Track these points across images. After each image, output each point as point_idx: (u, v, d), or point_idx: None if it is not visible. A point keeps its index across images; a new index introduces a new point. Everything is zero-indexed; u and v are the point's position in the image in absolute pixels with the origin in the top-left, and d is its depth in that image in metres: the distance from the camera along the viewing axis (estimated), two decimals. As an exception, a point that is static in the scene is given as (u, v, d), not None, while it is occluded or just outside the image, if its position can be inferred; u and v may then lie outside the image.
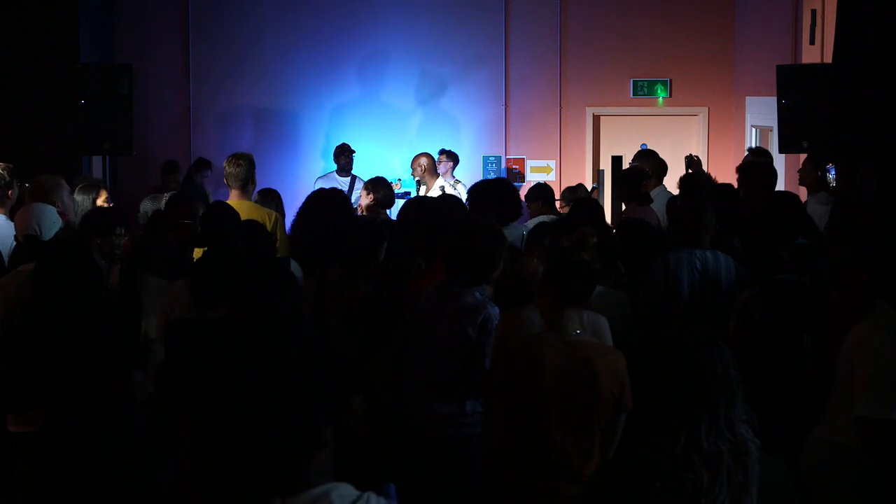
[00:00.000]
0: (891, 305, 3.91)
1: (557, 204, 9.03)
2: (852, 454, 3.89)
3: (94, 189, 6.60)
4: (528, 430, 3.61)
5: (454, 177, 10.48)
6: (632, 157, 8.79)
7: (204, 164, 10.52)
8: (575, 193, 9.48)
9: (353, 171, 10.42)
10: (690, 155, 9.08)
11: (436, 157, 10.34)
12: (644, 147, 9.38)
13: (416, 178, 10.15)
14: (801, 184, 7.91)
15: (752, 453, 2.70)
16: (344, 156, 10.45)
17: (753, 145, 11.05)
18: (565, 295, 3.71)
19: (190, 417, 3.87)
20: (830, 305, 4.47)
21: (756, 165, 7.60)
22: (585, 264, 3.74)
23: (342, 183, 10.07)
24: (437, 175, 10.14)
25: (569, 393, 3.56)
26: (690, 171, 8.65)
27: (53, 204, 5.55)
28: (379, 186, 7.09)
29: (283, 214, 6.99)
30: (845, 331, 4.01)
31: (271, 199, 7.40)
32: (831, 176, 7.98)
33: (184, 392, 3.94)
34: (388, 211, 7.27)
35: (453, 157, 10.48)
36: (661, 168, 8.17)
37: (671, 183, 8.20)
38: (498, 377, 3.71)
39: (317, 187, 9.40)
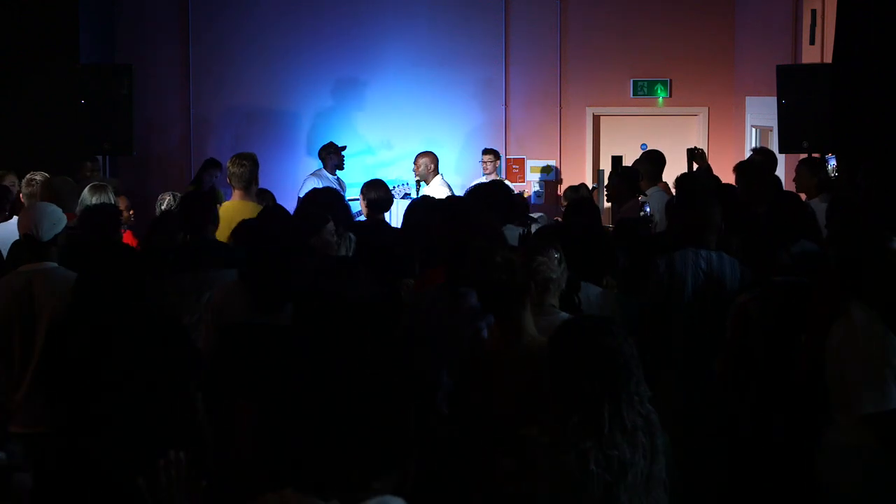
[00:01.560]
0: (864, 304, 3.93)
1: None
2: (864, 455, 3.89)
3: (105, 190, 6.59)
4: (489, 440, 3.45)
5: (498, 176, 10.85)
6: (631, 156, 8.78)
7: (213, 165, 10.48)
8: (577, 192, 9.44)
9: (338, 174, 10.29)
10: (693, 147, 8.93)
11: (479, 157, 10.94)
12: (644, 147, 9.37)
13: (417, 178, 10.12)
14: (798, 190, 7.90)
15: (657, 425, 2.90)
16: (336, 154, 10.31)
17: (753, 145, 11.05)
18: (488, 304, 3.61)
19: (253, 416, 3.83)
20: (809, 306, 4.47)
21: (752, 164, 7.59)
22: (501, 276, 3.62)
23: (332, 182, 9.92)
24: (438, 174, 10.14)
25: (525, 396, 3.51)
26: (694, 163, 8.59)
27: (65, 206, 5.50)
28: (371, 188, 7.00)
29: None
30: (824, 331, 4.04)
31: (265, 199, 7.35)
32: (831, 165, 7.96)
33: (247, 395, 3.90)
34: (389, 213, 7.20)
35: (499, 156, 11.02)
36: (656, 169, 8.16)
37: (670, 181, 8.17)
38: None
39: (308, 185, 9.34)
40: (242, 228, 5.22)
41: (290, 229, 5.03)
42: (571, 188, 10.04)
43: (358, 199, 7.33)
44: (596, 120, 11.96)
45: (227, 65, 11.71)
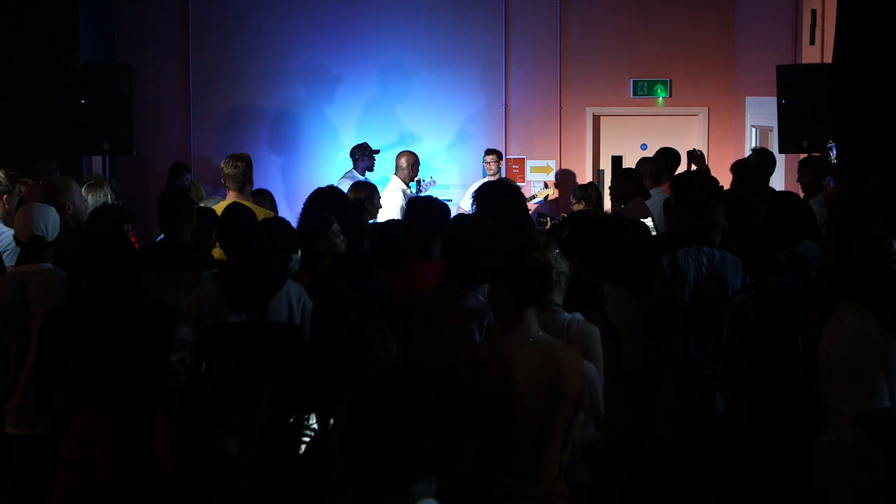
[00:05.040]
0: (858, 303, 3.93)
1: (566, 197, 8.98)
2: (861, 453, 3.89)
3: (101, 187, 6.57)
4: (501, 435, 3.51)
5: (500, 176, 10.83)
6: (631, 156, 8.79)
7: (183, 168, 10.50)
8: (586, 192, 9.29)
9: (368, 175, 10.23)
10: (693, 150, 9.02)
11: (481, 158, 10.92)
12: (644, 147, 9.37)
13: (416, 178, 10.08)
14: (803, 190, 7.90)
15: None
16: (369, 157, 10.29)
17: (753, 145, 11.05)
18: (524, 296, 3.61)
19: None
20: (806, 305, 4.47)
21: (747, 164, 7.60)
22: (541, 264, 3.62)
23: None
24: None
25: (539, 393, 3.50)
26: (694, 166, 8.63)
27: (62, 206, 5.47)
28: (353, 189, 7.02)
29: (276, 214, 6.94)
30: (819, 331, 4.05)
31: (264, 199, 7.34)
32: (833, 154, 7.95)
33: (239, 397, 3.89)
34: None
35: (502, 157, 11.07)
36: (657, 168, 8.15)
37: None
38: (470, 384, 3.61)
39: (342, 188, 9.25)
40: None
41: (256, 229, 5.05)
42: (580, 187, 9.95)
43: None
44: (596, 120, 11.95)
45: (227, 65, 11.71)
